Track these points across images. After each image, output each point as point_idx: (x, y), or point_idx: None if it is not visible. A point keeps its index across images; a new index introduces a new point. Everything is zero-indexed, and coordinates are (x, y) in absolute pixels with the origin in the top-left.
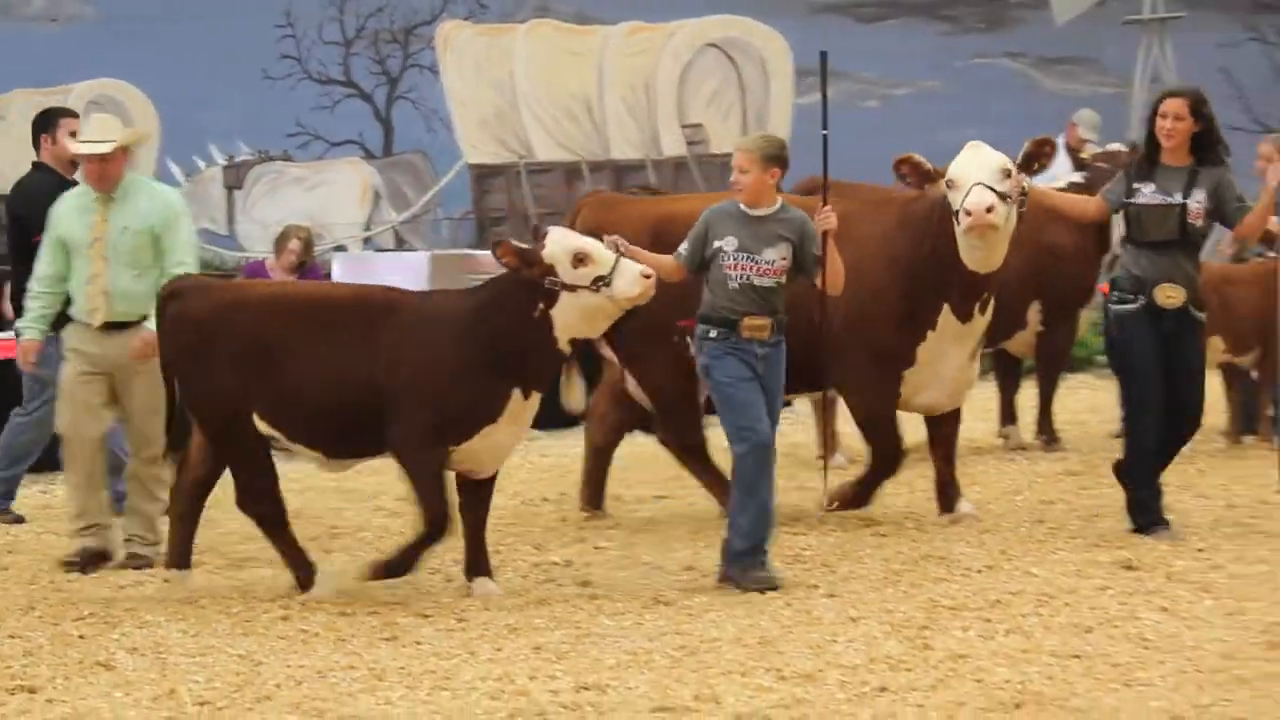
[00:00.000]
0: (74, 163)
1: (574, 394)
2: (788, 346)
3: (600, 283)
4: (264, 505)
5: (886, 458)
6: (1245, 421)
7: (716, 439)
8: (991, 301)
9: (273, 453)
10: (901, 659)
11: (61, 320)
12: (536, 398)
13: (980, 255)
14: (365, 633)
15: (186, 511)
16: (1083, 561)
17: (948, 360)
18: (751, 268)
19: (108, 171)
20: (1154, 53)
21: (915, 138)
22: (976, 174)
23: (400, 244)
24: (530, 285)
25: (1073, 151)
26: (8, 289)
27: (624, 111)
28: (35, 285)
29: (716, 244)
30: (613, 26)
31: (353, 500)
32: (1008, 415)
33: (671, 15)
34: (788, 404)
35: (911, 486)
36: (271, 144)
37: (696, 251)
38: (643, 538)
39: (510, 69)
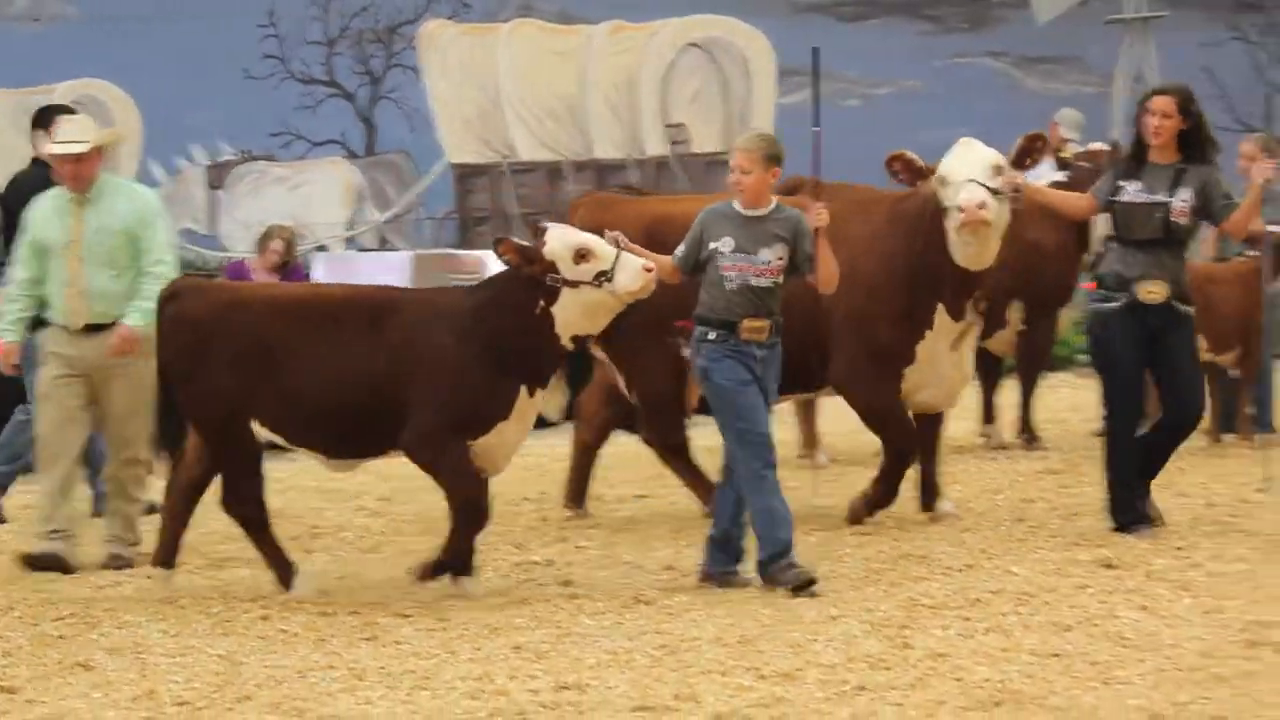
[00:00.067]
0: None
1: (555, 401)
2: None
3: (602, 278)
4: (248, 507)
5: (900, 448)
6: (1225, 420)
7: (698, 439)
8: (983, 299)
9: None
10: (881, 658)
11: (37, 323)
12: (541, 396)
13: (972, 252)
14: (345, 633)
15: (178, 511)
16: (1062, 560)
17: (944, 358)
18: (748, 268)
19: (82, 172)
20: (1136, 52)
21: (897, 137)
22: (968, 171)
23: (383, 244)
24: (531, 282)
25: (1054, 151)
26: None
27: (607, 111)
28: (13, 289)
29: (713, 245)
30: (596, 26)
31: (334, 500)
32: (988, 414)
33: (654, 15)
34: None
35: None
36: (254, 144)
37: (692, 253)
38: (623, 537)
39: (493, 69)
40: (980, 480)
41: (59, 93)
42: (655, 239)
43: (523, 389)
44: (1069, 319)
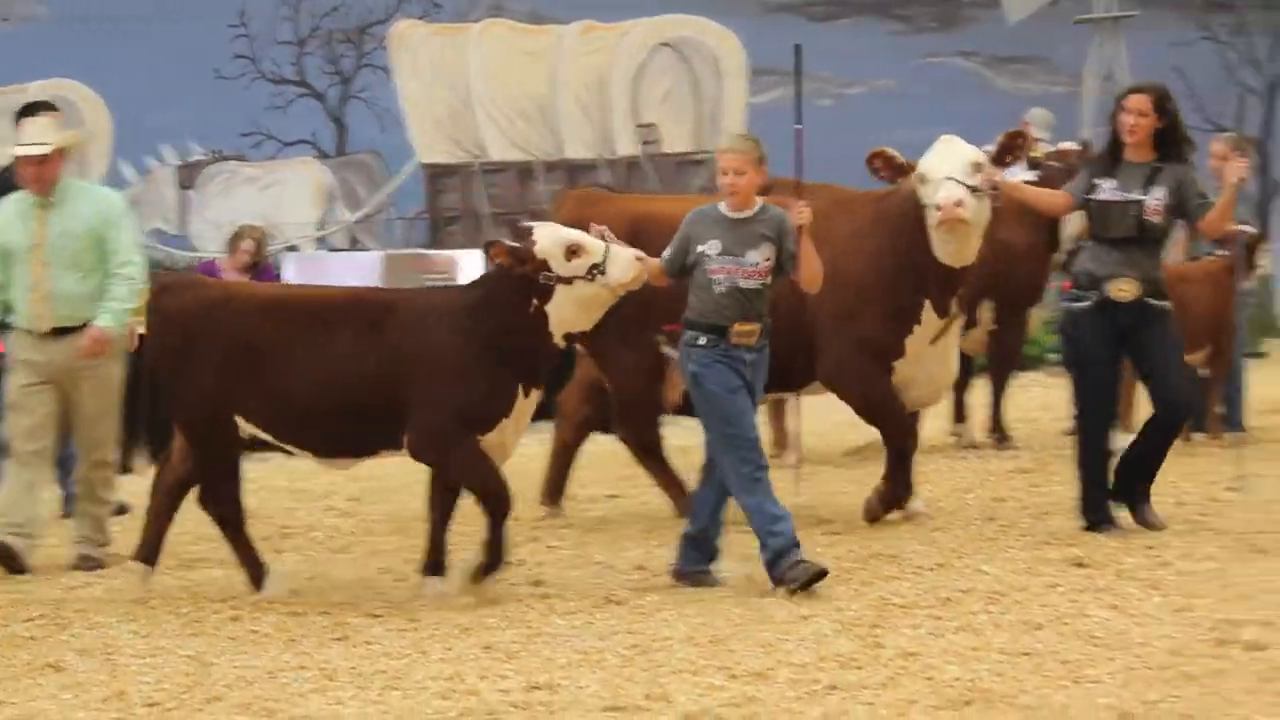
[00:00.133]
0: None
1: None
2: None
3: (595, 271)
4: (225, 507)
5: (899, 436)
6: (1195, 419)
7: (671, 439)
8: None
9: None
10: (852, 657)
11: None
12: (535, 396)
13: (953, 249)
14: (316, 633)
15: (162, 509)
16: (1033, 559)
17: (930, 354)
18: (736, 270)
19: (45, 174)
20: (1106, 52)
21: (869, 137)
22: (947, 168)
23: (354, 244)
24: (523, 282)
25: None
26: None
27: (578, 111)
28: None
29: (700, 248)
30: (566, 26)
31: (304, 500)
32: (959, 413)
33: (625, 15)
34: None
35: (863, 484)
36: (225, 144)
37: (679, 256)
38: (595, 537)
39: (464, 69)
40: (951, 479)
41: (29, 93)
42: (637, 238)
43: (520, 388)
44: (1039, 318)
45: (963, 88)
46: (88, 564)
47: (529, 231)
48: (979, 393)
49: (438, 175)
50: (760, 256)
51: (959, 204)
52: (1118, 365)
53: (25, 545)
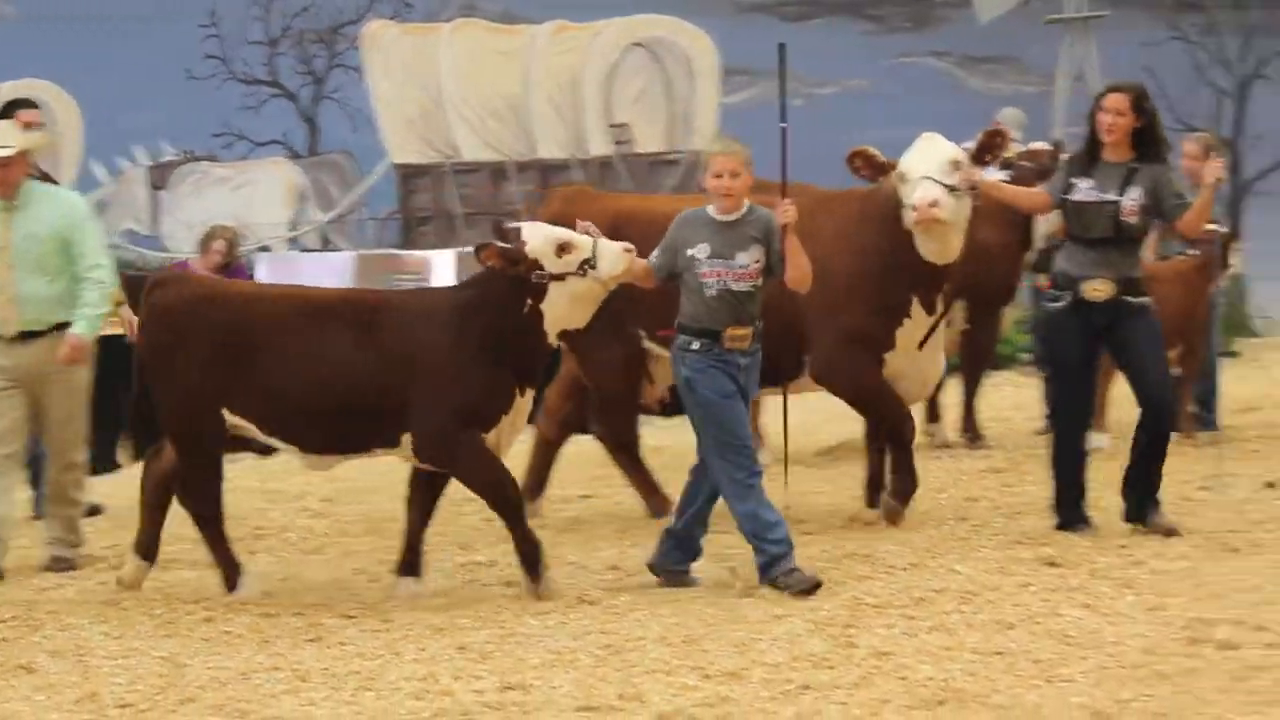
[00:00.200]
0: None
1: None
2: None
3: (586, 266)
4: (205, 505)
5: (896, 424)
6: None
7: (649, 437)
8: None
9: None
10: (825, 657)
11: None
12: (530, 395)
13: (934, 247)
14: (289, 634)
15: (154, 501)
16: (1006, 558)
17: (917, 352)
18: (727, 273)
19: (8, 177)
20: (1077, 52)
21: (842, 136)
22: (925, 167)
23: (326, 244)
24: (517, 282)
25: None
26: None
27: (550, 111)
28: None
29: (689, 252)
30: (539, 26)
31: (277, 501)
32: (932, 413)
33: (597, 15)
34: None
35: (836, 484)
36: (196, 144)
37: (668, 260)
38: (568, 537)
39: (436, 69)
40: (924, 479)
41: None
42: (617, 236)
43: (515, 388)
44: (1012, 318)
45: (935, 87)
46: (60, 565)
47: (517, 232)
48: (951, 392)
49: (410, 175)
50: (750, 258)
51: (934, 204)
52: (1094, 366)
53: None
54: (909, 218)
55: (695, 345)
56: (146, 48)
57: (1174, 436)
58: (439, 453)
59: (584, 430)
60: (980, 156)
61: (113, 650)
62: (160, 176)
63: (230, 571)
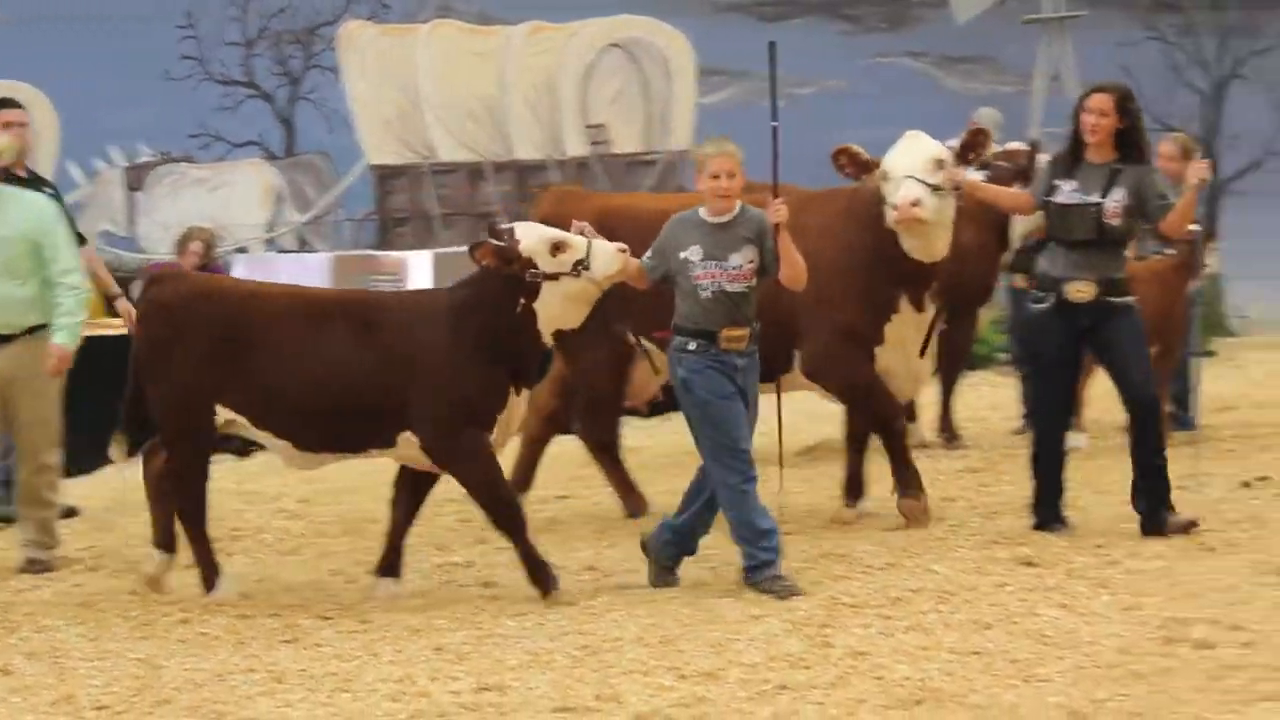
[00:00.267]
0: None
1: None
2: None
3: (580, 265)
4: (190, 502)
5: (889, 416)
6: None
7: (628, 438)
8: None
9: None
10: (802, 657)
11: None
12: (525, 395)
13: (919, 245)
14: (265, 635)
15: (160, 494)
16: (982, 558)
17: (907, 349)
18: (720, 274)
19: None
20: (1054, 52)
21: (820, 136)
22: (908, 166)
23: (303, 245)
24: (511, 281)
25: None
26: None
27: (527, 112)
28: None
29: (682, 255)
30: (515, 27)
31: (254, 502)
32: (909, 413)
33: (574, 15)
34: None
35: (813, 484)
36: (173, 145)
37: (661, 263)
38: (545, 538)
39: (412, 69)
40: None
41: None
42: (608, 233)
43: (511, 388)
44: (988, 318)
45: (912, 87)
46: (35, 567)
47: (510, 231)
48: (928, 392)
49: (386, 176)
50: (743, 259)
51: (915, 204)
52: (1075, 367)
53: None
54: (891, 216)
55: (691, 346)
56: (123, 49)
57: None
58: (446, 457)
59: (565, 430)
60: (964, 155)
61: (89, 652)
62: (137, 178)
63: (209, 572)
